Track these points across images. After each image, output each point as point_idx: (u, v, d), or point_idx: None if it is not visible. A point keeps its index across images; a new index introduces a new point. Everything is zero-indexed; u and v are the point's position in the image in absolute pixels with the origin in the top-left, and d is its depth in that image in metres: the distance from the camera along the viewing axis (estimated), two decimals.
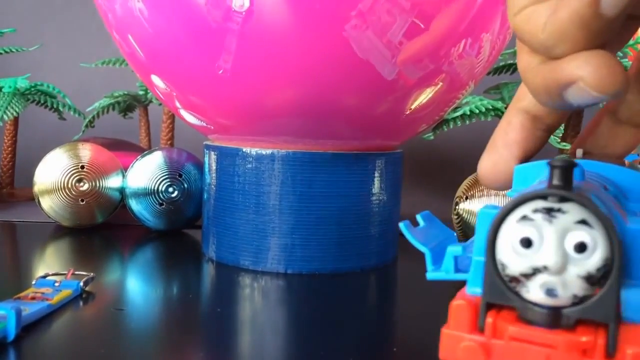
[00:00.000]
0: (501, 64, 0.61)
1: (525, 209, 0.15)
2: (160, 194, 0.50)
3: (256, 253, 0.41)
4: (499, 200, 0.44)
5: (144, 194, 0.50)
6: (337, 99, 0.37)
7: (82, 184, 0.50)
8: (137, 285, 0.38)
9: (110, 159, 0.52)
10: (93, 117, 0.70)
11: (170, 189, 0.50)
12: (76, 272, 0.35)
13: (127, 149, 0.59)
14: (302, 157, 0.40)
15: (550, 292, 0.14)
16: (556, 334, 0.14)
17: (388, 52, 0.34)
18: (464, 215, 0.46)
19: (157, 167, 0.50)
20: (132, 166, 0.51)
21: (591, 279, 0.14)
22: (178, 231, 0.52)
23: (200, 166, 0.51)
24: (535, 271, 0.14)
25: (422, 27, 0.34)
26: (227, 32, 0.34)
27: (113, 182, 0.52)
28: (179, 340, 0.29)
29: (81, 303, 0.33)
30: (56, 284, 0.33)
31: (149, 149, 0.67)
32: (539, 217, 0.15)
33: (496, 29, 0.38)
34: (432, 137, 0.56)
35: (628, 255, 0.15)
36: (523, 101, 0.21)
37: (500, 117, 0.48)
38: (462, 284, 0.17)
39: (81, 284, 0.34)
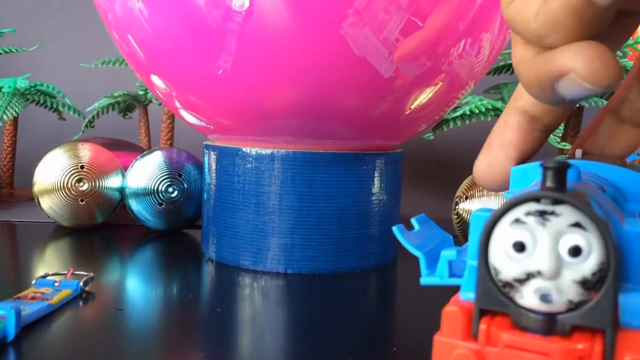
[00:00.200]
0: (501, 64, 0.61)
1: (518, 212, 0.14)
2: (160, 194, 0.50)
3: (256, 253, 0.41)
4: (499, 201, 0.44)
5: (144, 194, 0.50)
6: (337, 99, 0.37)
7: (81, 184, 0.50)
8: (137, 285, 0.38)
9: (110, 159, 0.52)
10: (93, 117, 0.70)
11: (170, 189, 0.50)
12: (76, 272, 0.35)
13: (126, 149, 0.59)
14: (302, 157, 0.40)
15: (544, 298, 0.14)
16: (551, 341, 0.14)
17: (385, 49, 0.34)
18: (463, 215, 0.46)
19: (156, 167, 0.50)
20: (132, 166, 0.51)
21: (587, 284, 0.14)
22: (178, 231, 0.52)
23: (200, 166, 0.51)
24: (529, 276, 0.14)
25: (419, 25, 0.34)
26: (227, 32, 0.34)
27: (113, 182, 0.52)
28: (179, 340, 0.29)
29: (81, 303, 0.33)
30: (56, 284, 0.33)
31: (149, 149, 0.67)
32: (532, 220, 0.14)
33: (496, 29, 0.38)
34: (432, 137, 0.56)
35: (625, 259, 0.14)
36: (520, 100, 0.21)
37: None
38: (459, 286, 0.17)
39: (81, 284, 0.34)
